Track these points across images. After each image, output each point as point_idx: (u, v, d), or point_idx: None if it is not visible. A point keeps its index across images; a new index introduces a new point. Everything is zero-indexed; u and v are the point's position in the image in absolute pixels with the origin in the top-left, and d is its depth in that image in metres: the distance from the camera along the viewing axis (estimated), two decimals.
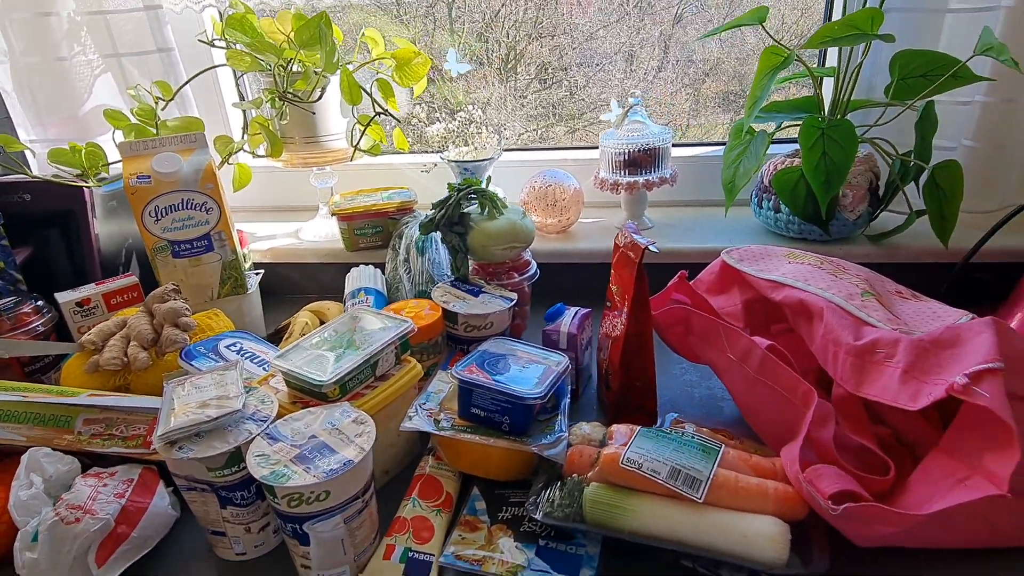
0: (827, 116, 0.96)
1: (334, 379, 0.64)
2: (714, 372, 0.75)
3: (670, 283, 0.82)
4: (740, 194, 1.04)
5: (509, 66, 1.41)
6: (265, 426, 0.60)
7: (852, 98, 0.96)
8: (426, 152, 1.13)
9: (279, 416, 0.63)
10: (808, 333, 0.69)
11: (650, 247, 0.69)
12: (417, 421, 0.66)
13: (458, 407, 0.68)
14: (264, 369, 0.79)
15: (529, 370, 0.70)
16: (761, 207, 1.05)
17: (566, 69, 1.39)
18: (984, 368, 0.50)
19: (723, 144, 1.22)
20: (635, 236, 0.71)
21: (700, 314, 0.74)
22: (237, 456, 0.58)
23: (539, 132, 1.47)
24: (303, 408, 0.65)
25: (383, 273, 1.03)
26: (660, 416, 0.77)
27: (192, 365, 0.77)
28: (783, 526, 0.54)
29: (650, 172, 1.08)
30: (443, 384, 0.74)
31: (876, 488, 0.57)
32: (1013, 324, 0.86)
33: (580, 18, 1.33)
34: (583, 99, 1.41)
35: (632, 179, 1.07)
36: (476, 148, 1.11)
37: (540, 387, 0.66)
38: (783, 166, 0.99)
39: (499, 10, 1.35)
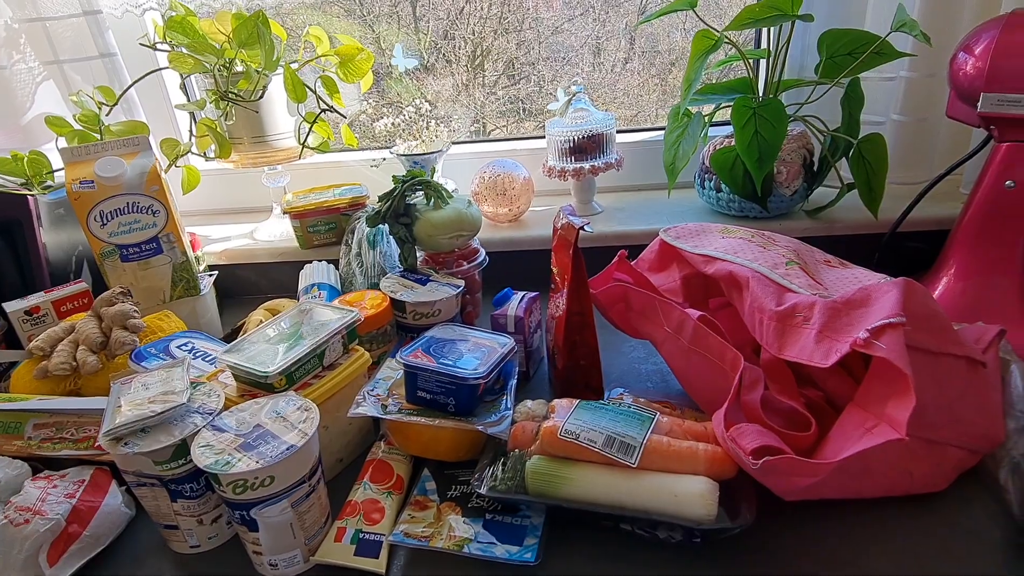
0: (759, 96, 1.00)
1: (279, 370, 0.65)
2: (654, 346, 0.77)
3: (611, 263, 0.84)
4: (684, 175, 1.07)
5: (476, 63, 1.42)
6: (211, 418, 0.61)
7: (783, 78, 0.99)
8: (376, 148, 1.14)
9: (226, 409, 0.64)
10: (739, 303, 0.72)
11: (584, 227, 0.72)
12: (365, 407, 0.68)
13: (405, 391, 0.70)
14: (215, 366, 0.80)
15: (475, 353, 0.72)
16: (704, 187, 1.08)
17: (533, 64, 1.41)
18: (885, 323, 0.53)
19: (663, 128, 1.26)
20: (570, 218, 0.74)
21: (638, 291, 0.76)
22: (183, 449, 0.59)
23: (508, 128, 1.48)
24: (250, 399, 0.66)
25: (336, 268, 1.04)
26: (606, 392, 0.80)
27: (143, 367, 0.77)
28: (711, 484, 0.57)
29: (596, 158, 1.10)
30: (392, 371, 0.75)
31: (800, 444, 0.60)
32: (939, 288, 0.90)
33: (545, 12, 1.35)
34: (551, 93, 1.43)
35: (578, 165, 1.10)
36: (425, 141, 1.13)
37: (483, 368, 0.68)
38: (721, 146, 1.02)
39: (463, 7, 1.36)
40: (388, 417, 0.67)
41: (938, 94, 0.99)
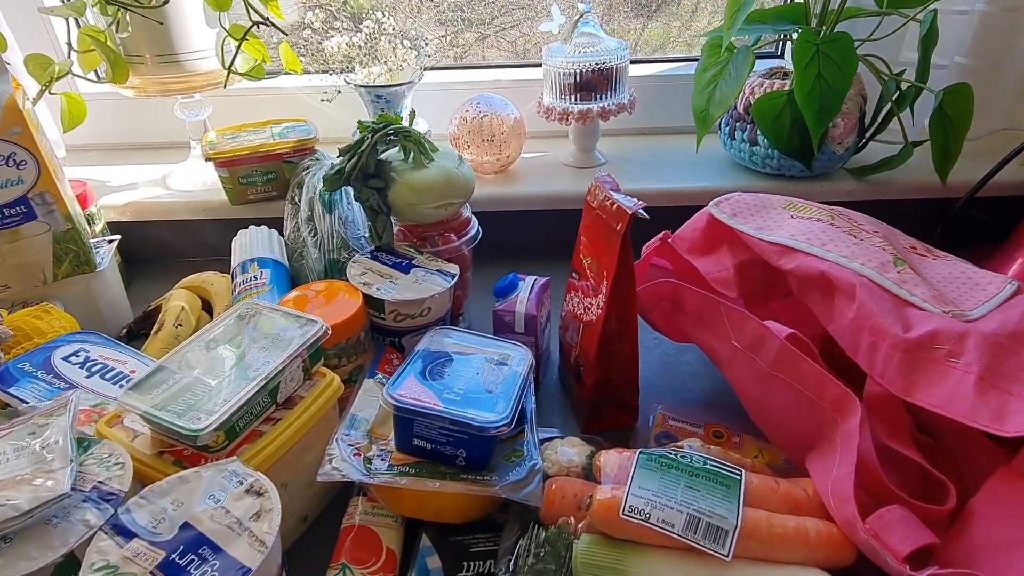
0: (818, 28, 0.80)
1: (214, 425, 0.45)
2: (712, 360, 0.61)
3: (649, 246, 0.66)
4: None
5: None
6: (111, 512, 0.41)
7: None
8: (326, 73, 0.89)
9: (136, 483, 0.44)
10: (826, 310, 0.56)
11: (639, 213, 0.53)
12: (341, 465, 0.49)
13: (395, 436, 0.51)
14: (121, 387, 0.58)
15: (484, 375, 0.54)
16: (734, 138, 0.90)
17: None
18: None
19: (685, 60, 1.05)
20: (616, 197, 0.54)
21: (694, 291, 0.59)
22: (71, 566, 0.39)
23: (448, 39, 1.23)
24: (172, 460, 0.46)
25: (281, 235, 0.81)
26: (642, 412, 0.64)
27: (11, 395, 0.55)
28: None
29: (605, 97, 0.89)
30: (371, 398, 0.56)
31: (932, 517, 0.46)
32: (1013, 268, 0.78)
33: None
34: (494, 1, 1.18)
35: (585, 106, 0.88)
36: (391, 68, 0.88)
37: (505, 408, 0.50)
38: (762, 90, 0.83)
39: None
40: (376, 482, 0.48)
41: (1017, 34, 0.83)
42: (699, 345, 0.61)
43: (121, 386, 0.58)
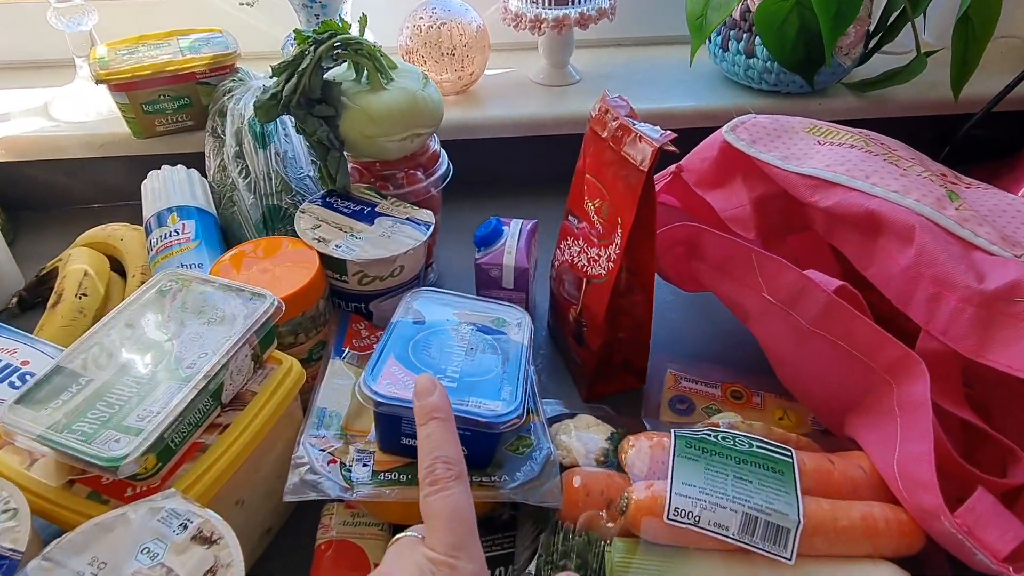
0: None
1: (141, 449, 0.33)
2: (734, 313, 0.53)
3: (658, 180, 0.57)
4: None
5: None
6: None
7: None
8: None
9: (36, 522, 0.33)
10: (866, 252, 0.49)
11: (667, 145, 0.43)
12: (312, 477, 0.39)
13: (377, 435, 0.42)
14: (13, 387, 0.46)
15: (479, 349, 0.45)
16: (727, 49, 0.79)
17: None
18: None
19: None
20: (638, 126, 0.44)
21: (719, 236, 0.50)
22: None
23: None
24: (87, 493, 0.36)
25: (204, 175, 0.67)
26: (650, 373, 0.56)
27: None
28: None
29: (583, 0, 0.76)
30: (340, 384, 0.46)
31: (997, 489, 0.41)
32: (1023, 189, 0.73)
33: None
34: None
35: (561, 11, 0.75)
36: None
37: (513, 394, 0.41)
38: None
39: None
40: (359, 496, 0.39)
41: None
42: (719, 296, 0.53)
43: (13, 385, 0.46)
